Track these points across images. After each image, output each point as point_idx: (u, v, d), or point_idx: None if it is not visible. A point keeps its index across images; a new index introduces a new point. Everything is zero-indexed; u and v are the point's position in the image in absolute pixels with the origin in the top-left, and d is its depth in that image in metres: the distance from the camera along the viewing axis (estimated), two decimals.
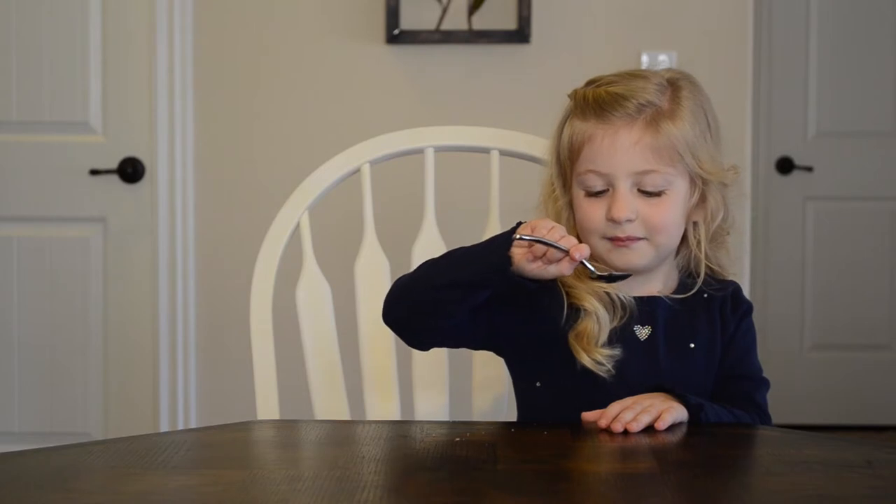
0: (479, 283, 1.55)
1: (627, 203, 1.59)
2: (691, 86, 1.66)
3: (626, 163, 1.59)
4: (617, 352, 1.59)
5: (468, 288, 1.56)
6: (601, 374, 1.58)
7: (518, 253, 1.51)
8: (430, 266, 1.61)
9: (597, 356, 1.58)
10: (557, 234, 1.51)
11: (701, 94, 1.66)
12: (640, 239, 1.61)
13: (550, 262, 1.51)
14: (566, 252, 1.50)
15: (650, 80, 1.63)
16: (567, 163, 1.65)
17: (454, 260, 1.59)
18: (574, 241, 1.51)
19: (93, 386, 3.32)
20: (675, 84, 1.64)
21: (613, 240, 1.61)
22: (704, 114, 1.65)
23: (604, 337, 1.59)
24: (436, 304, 1.58)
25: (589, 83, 1.66)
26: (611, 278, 1.56)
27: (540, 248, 1.50)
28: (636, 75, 1.64)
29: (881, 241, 4.52)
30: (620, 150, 1.59)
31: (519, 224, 1.54)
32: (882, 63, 4.46)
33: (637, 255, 1.62)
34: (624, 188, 1.60)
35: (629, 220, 1.59)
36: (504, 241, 1.53)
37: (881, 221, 4.52)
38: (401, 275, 1.65)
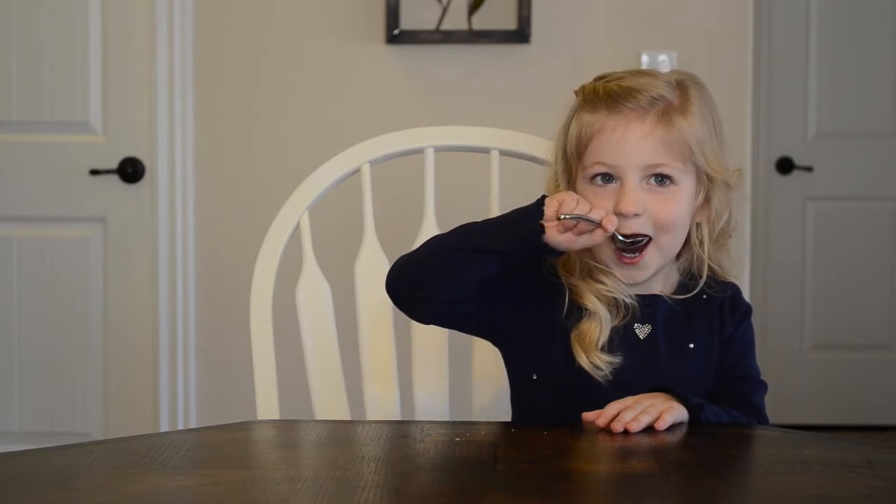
0: (505, 252, 1.57)
1: (636, 197, 1.58)
2: (697, 86, 1.66)
3: (637, 155, 1.58)
4: (617, 359, 1.59)
5: (492, 255, 1.57)
6: (598, 377, 1.58)
7: (549, 224, 1.54)
8: (446, 236, 1.62)
9: (596, 360, 1.58)
10: (586, 206, 1.54)
11: (707, 95, 1.66)
12: (646, 242, 1.60)
13: (582, 232, 1.54)
14: (598, 224, 1.53)
15: (658, 77, 1.63)
16: (574, 157, 1.64)
17: (475, 231, 1.60)
18: (603, 212, 1.55)
19: (93, 386, 3.32)
20: (682, 84, 1.64)
21: (621, 255, 1.60)
22: (711, 114, 1.65)
23: (605, 337, 1.59)
24: (448, 272, 1.59)
25: (598, 79, 1.65)
26: (634, 243, 1.59)
27: (567, 222, 1.53)
28: (644, 73, 1.65)
29: (881, 241, 4.52)
30: (632, 141, 1.58)
31: (544, 197, 1.56)
32: (882, 63, 4.46)
33: (646, 268, 1.61)
34: (633, 181, 1.58)
35: (636, 215, 1.58)
36: (534, 211, 1.55)
37: (881, 221, 4.52)
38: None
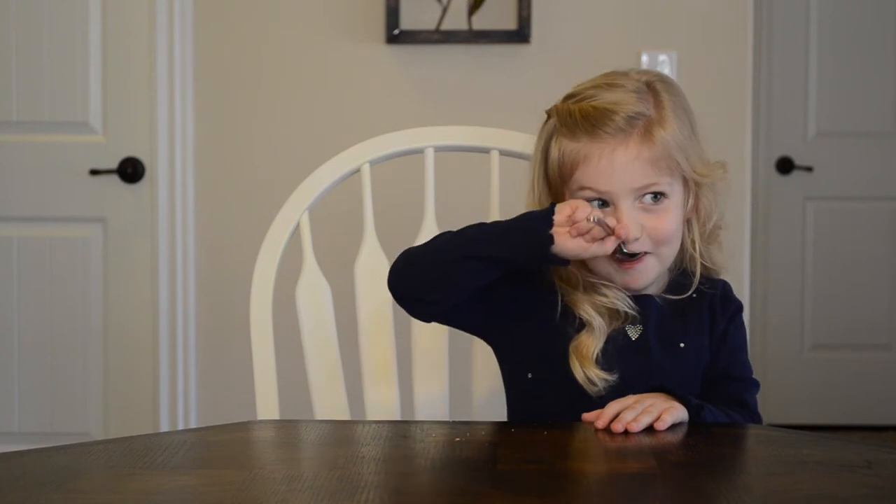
0: (512, 260, 1.55)
1: (633, 221, 1.57)
2: (667, 85, 1.63)
3: (627, 180, 1.57)
4: (613, 377, 1.58)
5: (500, 263, 1.56)
6: (590, 392, 1.57)
7: (559, 231, 1.52)
8: (452, 238, 1.60)
9: (591, 375, 1.57)
10: (599, 213, 1.53)
11: (677, 92, 1.64)
12: (646, 254, 1.60)
13: (594, 239, 1.53)
14: (611, 231, 1.53)
15: (628, 88, 1.60)
16: (558, 182, 1.62)
17: (482, 237, 1.57)
18: (614, 220, 1.55)
19: (93, 386, 3.32)
20: (652, 87, 1.61)
21: (619, 262, 1.60)
22: (685, 112, 1.63)
23: (600, 346, 1.59)
24: (455, 278, 1.57)
25: (567, 98, 1.63)
26: (633, 255, 1.59)
27: (582, 226, 1.52)
28: (613, 84, 1.61)
29: (881, 241, 4.52)
30: (620, 168, 1.57)
31: (554, 204, 1.54)
32: (882, 63, 4.46)
33: (645, 276, 1.61)
34: (627, 205, 1.57)
35: (636, 238, 1.58)
36: (544, 218, 1.53)
37: (881, 221, 4.52)
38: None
